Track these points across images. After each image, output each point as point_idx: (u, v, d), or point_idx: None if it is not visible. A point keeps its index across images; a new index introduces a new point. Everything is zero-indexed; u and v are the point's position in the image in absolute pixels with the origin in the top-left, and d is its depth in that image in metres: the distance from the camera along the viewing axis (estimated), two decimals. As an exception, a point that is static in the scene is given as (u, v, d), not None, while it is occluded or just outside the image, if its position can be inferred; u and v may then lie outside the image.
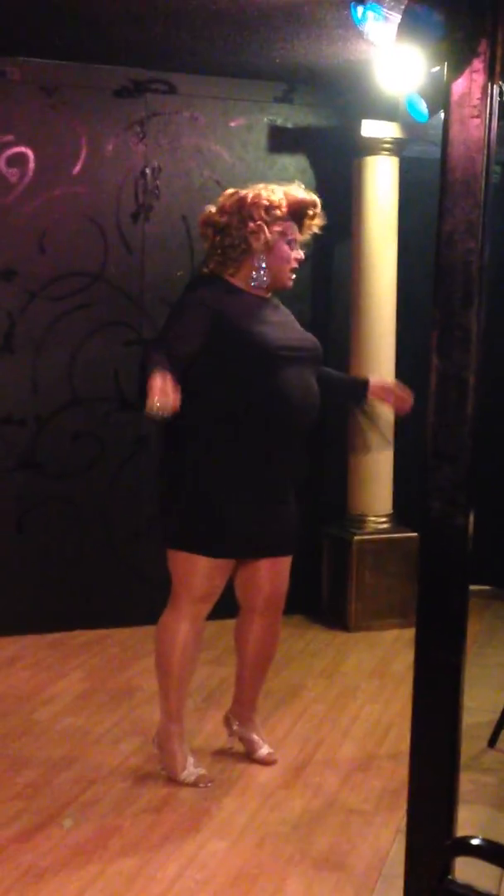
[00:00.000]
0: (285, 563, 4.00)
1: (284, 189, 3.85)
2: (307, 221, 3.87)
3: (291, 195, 3.84)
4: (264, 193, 3.79)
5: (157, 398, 3.37)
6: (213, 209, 3.85)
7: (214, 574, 3.82)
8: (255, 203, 3.76)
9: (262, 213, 3.76)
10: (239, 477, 3.76)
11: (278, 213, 3.78)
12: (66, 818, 3.59)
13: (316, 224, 3.91)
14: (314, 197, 3.89)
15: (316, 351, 3.92)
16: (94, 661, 5.21)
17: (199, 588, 3.81)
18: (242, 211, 3.76)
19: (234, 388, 3.70)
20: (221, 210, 3.82)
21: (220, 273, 3.83)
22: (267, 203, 3.77)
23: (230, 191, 3.88)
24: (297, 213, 3.83)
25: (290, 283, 3.89)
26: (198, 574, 3.79)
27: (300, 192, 3.87)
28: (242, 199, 3.78)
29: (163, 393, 3.38)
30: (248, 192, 3.81)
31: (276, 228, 3.78)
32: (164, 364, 3.47)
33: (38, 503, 5.55)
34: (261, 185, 3.85)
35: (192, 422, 3.72)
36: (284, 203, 3.80)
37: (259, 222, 3.75)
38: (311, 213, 3.86)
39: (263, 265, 3.80)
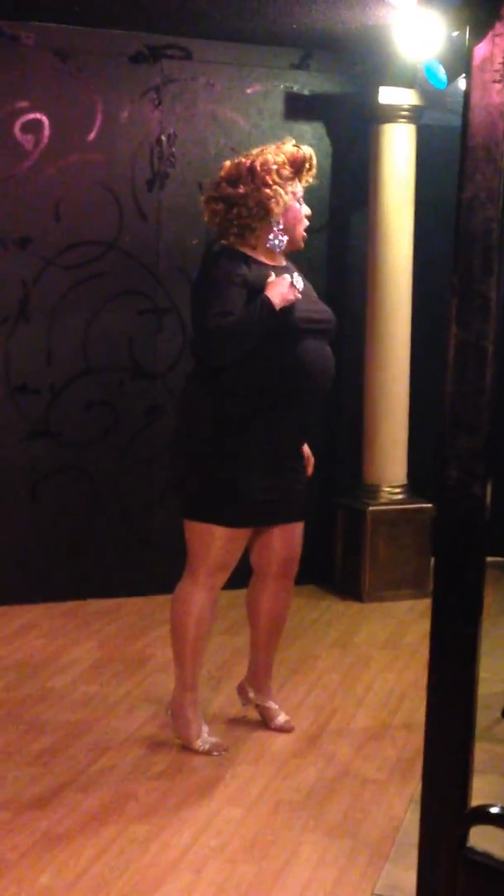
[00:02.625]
0: (299, 528, 4.04)
1: (280, 148, 3.84)
2: (305, 175, 3.87)
3: (290, 153, 3.82)
4: (271, 157, 3.78)
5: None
6: (221, 183, 3.80)
7: (232, 543, 3.82)
8: (267, 168, 3.75)
9: (276, 177, 3.75)
10: (257, 447, 3.77)
11: (287, 173, 3.78)
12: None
13: (311, 176, 3.89)
14: (309, 150, 3.87)
15: (332, 324, 3.94)
16: (108, 629, 5.22)
17: (217, 558, 3.81)
18: (256, 178, 3.74)
19: (256, 361, 3.70)
20: (232, 181, 3.78)
21: (238, 246, 3.81)
22: (276, 166, 3.76)
23: (231, 162, 3.85)
24: (297, 169, 3.83)
25: (303, 243, 3.92)
26: (215, 544, 3.79)
27: (293, 147, 3.84)
28: (253, 166, 3.76)
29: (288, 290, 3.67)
30: (254, 159, 3.78)
31: (289, 189, 3.79)
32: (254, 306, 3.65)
33: (52, 472, 5.55)
34: (257, 151, 3.83)
35: (210, 393, 3.75)
36: (287, 162, 3.80)
37: (275, 186, 3.74)
38: (307, 166, 3.85)
39: (281, 228, 3.80)
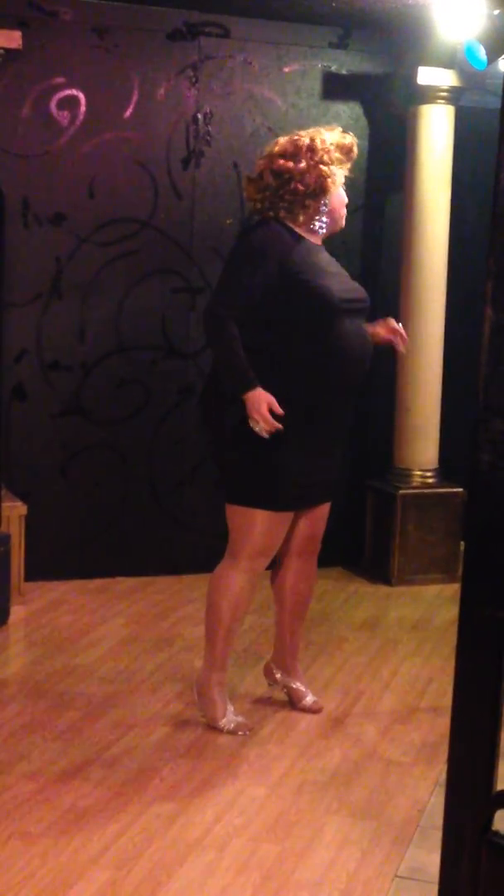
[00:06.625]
0: (326, 507, 4.04)
1: (328, 131, 3.85)
2: (348, 164, 3.89)
3: (337, 140, 3.84)
4: (328, 137, 3.80)
5: (261, 423, 3.62)
6: (276, 158, 3.78)
7: (275, 528, 3.82)
8: (325, 146, 3.77)
9: (332, 157, 3.77)
10: (298, 429, 3.74)
11: (339, 155, 3.81)
12: None
13: (348, 168, 3.90)
14: (353, 138, 3.89)
15: (367, 302, 3.93)
16: (136, 607, 5.24)
17: (259, 542, 3.81)
18: (316, 155, 3.75)
19: (294, 340, 3.70)
20: (289, 156, 3.77)
21: (283, 220, 3.79)
22: (333, 147, 3.79)
23: (288, 137, 3.84)
24: (343, 156, 3.85)
25: (343, 223, 3.93)
26: (258, 528, 3.79)
27: (340, 135, 3.86)
28: (313, 143, 3.77)
29: (265, 419, 3.61)
30: (312, 136, 3.79)
31: (341, 171, 3.82)
32: (249, 371, 3.64)
33: (83, 450, 5.56)
34: (312, 130, 3.84)
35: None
36: (336, 147, 3.82)
37: (332, 166, 3.76)
38: (351, 155, 3.88)
39: (327, 209, 3.81)
